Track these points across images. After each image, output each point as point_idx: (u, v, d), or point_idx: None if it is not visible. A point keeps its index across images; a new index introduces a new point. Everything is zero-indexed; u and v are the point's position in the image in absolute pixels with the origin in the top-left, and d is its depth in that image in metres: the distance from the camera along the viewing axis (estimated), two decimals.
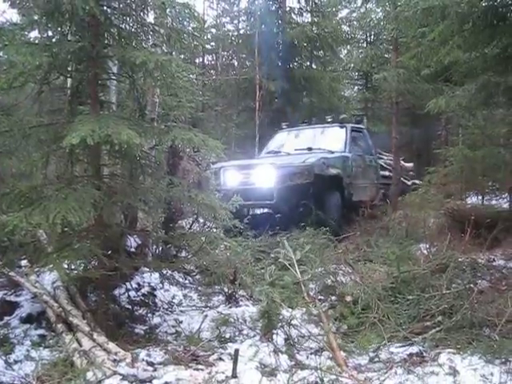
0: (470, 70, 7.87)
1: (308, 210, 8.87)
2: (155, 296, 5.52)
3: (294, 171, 9.24)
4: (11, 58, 4.35)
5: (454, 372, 3.53)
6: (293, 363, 3.88)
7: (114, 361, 3.65)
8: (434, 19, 7.05)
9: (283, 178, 9.14)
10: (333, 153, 10.37)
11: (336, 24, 18.38)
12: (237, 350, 3.63)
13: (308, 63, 18.96)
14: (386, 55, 18.85)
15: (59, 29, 4.55)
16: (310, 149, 10.40)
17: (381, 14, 17.19)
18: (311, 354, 4.06)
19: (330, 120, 11.84)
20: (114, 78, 5.15)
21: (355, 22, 19.87)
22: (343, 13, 20.37)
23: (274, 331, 4.29)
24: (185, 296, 5.81)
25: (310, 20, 18.52)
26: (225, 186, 9.34)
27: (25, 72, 4.19)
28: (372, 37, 20.63)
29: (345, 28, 19.77)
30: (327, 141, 11.00)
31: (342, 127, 11.32)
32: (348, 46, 22.18)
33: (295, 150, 10.74)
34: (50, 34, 4.81)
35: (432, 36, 7.25)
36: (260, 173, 9.48)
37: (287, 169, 9.31)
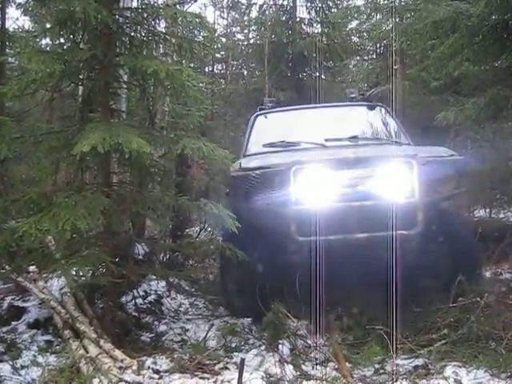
0: (479, 83, 7.88)
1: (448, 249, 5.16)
2: (162, 304, 5.54)
3: (448, 173, 5.01)
4: (23, 65, 4.40)
5: None
6: (298, 373, 3.87)
7: (120, 368, 3.66)
8: (444, 32, 7.08)
9: (432, 186, 4.90)
10: (401, 145, 6.23)
11: (346, 35, 18.41)
12: (243, 360, 3.63)
13: (317, 74, 18.99)
14: (395, 67, 18.85)
15: (71, 37, 4.59)
16: (354, 137, 6.09)
17: (390, 25, 17.23)
18: (317, 364, 4.05)
19: (353, 95, 7.62)
20: (124, 86, 5.19)
21: (365, 34, 19.89)
22: (353, 24, 20.40)
23: (280, 341, 4.29)
24: (191, 304, 5.82)
25: (319, 31, 18.57)
26: (300, 202, 4.68)
27: (37, 79, 4.21)
28: (381, 48, 20.66)
29: (354, 39, 19.80)
30: (369, 127, 6.61)
31: (372, 108, 7.13)
32: (357, 57, 22.22)
33: (326, 140, 6.00)
34: (62, 41, 4.86)
35: (441, 49, 7.27)
36: (389, 174, 4.80)
37: (438, 167, 4.94)
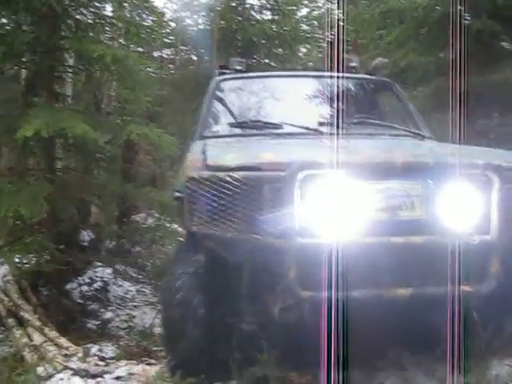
0: (424, 73, 8.02)
1: None
2: (108, 291, 5.50)
3: None
4: None
5: None
6: None
7: (65, 356, 3.63)
8: (392, 22, 7.18)
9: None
10: (423, 139, 4.24)
11: (295, 23, 18.44)
12: None
13: (267, 60, 19.00)
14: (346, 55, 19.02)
15: (14, 18, 4.49)
16: (360, 123, 4.19)
17: (341, 14, 17.35)
18: None
19: (352, 64, 5.26)
20: (69, 70, 5.11)
21: (315, 22, 19.96)
22: (303, 11, 20.42)
23: None
24: (138, 291, 5.80)
25: (269, 18, 18.59)
26: (308, 232, 2.51)
27: None
28: (331, 36, 20.78)
29: (304, 27, 19.85)
30: (378, 111, 4.79)
31: (378, 84, 5.02)
32: (308, 45, 22.29)
33: (320, 124, 4.04)
34: (4, 22, 4.75)
35: (389, 39, 7.37)
36: (455, 194, 2.67)
37: None
